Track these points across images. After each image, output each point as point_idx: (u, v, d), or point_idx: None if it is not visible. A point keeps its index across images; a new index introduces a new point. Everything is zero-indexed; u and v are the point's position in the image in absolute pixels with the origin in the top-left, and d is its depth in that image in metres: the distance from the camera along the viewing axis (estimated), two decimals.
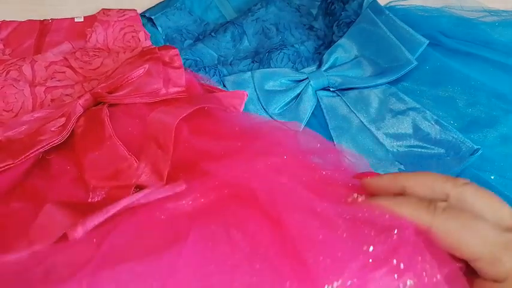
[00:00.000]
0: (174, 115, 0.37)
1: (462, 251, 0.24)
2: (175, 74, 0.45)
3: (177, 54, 0.47)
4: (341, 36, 0.53)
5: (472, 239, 0.23)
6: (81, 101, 0.42)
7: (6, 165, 0.36)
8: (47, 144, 0.38)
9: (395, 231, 0.24)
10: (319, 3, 0.60)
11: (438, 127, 0.44)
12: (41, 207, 0.34)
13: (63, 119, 0.40)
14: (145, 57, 0.45)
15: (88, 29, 0.54)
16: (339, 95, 0.50)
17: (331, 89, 0.50)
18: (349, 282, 0.23)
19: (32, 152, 0.37)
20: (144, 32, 0.54)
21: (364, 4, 0.54)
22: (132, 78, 0.43)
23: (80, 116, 0.41)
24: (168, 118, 0.37)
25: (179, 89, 0.44)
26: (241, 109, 0.43)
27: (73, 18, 0.55)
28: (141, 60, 0.44)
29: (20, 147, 0.38)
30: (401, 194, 0.27)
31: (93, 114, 0.41)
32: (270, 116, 0.48)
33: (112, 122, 0.40)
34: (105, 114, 0.40)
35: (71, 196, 0.36)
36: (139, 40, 0.53)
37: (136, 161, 0.36)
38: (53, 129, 0.40)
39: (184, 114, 0.37)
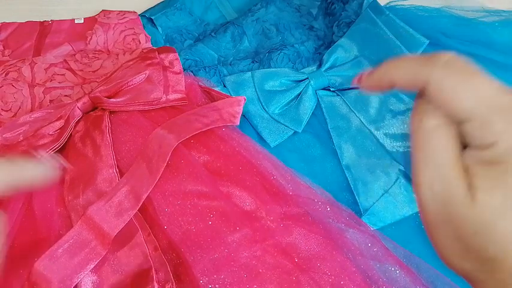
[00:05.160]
0: (177, 134, 0.37)
1: (453, 108, 0.22)
2: (175, 80, 0.44)
3: (176, 59, 0.46)
4: (341, 36, 0.53)
5: (467, 97, 0.21)
6: (79, 104, 0.41)
7: None
8: (46, 153, 0.38)
9: None
10: (319, 3, 0.59)
11: None
12: (27, 210, 0.35)
13: (60, 122, 0.40)
14: (145, 62, 0.44)
15: (88, 32, 0.53)
16: (339, 95, 0.50)
17: (331, 89, 0.50)
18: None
19: None
20: (145, 34, 0.54)
21: (364, 4, 0.54)
22: (132, 84, 0.43)
23: (79, 121, 0.41)
24: (170, 137, 0.37)
25: (179, 96, 0.44)
26: (239, 117, 0.43)
27: (73, 20, 0.55)
28: (142, 65, 0.44)
29: (21, 156, 0.38)
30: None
31: (94, 122, 0.41)
32: (271, 116, 0.48)
33: (111, 131, 0.40)
34: (106, 125, 0.40)
35: (56, 201, 0.37)
36: (140, 42, 0.53)
37: (118, 177, 0.36)
38: (50, 132, 0.40)
39: (187, 137, 0.38)
